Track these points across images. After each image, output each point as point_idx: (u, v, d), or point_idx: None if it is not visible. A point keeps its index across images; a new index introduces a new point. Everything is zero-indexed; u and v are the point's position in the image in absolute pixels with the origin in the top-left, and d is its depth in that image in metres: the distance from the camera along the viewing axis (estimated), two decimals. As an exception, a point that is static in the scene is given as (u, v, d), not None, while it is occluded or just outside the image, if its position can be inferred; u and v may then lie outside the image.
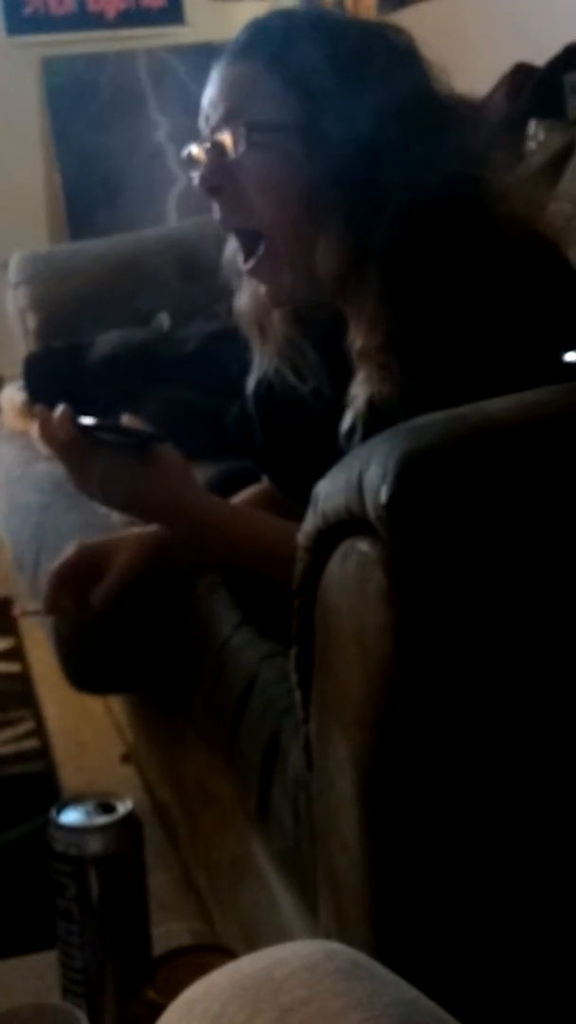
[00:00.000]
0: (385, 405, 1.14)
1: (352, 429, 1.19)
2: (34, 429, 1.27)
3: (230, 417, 1.50)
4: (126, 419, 1.29)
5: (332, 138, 1.16)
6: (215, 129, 1.24)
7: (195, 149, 1.25)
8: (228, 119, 1.22)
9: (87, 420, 1.22)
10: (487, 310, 1.10)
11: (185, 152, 1.27)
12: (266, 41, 1.22)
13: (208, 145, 1.24)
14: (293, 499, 1.30)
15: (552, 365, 1.10)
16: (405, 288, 1.14)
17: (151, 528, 1.34)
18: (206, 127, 1.25)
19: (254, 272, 1.28)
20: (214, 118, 1.24)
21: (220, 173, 1.23)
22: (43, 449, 1.41)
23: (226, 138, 1.22)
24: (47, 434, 1.24)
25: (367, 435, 1.08)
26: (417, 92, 1.18)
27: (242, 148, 1.20)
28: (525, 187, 1.35)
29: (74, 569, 1.35)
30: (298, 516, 0.98)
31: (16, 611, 1.53)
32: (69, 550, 1.36)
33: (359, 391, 1.19)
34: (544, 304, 1.13)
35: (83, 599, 1.34)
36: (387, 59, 1.19)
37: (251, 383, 1.40)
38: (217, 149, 1.23)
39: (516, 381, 0.94)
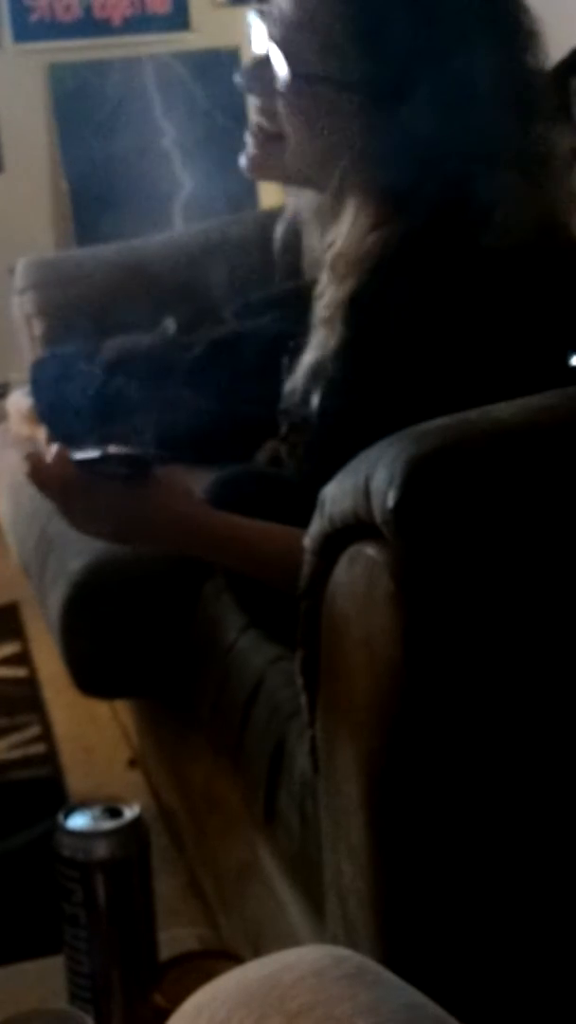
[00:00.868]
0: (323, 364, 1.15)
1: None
2: (40, 436, 1.26)
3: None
4: (114, 448, 1.26)
5: (382, 111, 1.13)
6: (272, 37, 1.20)
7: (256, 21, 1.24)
8: (286, 42, 1.19)
9: (82, 455, 1.20)
10: (478, 318, 1.10)
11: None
12: None
13: (262, 48, 1.21)
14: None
15: (556, 369, 1.10)
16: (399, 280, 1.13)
17: None
18: (269, 21, 1.21)
19: (255, 161, 1.28)
20: (275, 28, 1.20)
21: (261, 83, 1.22)
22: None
23: (279, 61, 1.19)
24: (38, 479, 1.22)
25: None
26: (496, 68, 1.14)
27: (290, 86, 1.18)
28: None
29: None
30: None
31: None
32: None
33: (309, 356, 1.20)
34: (545, 309, 1.13)
35: None
36: (473, 24, 1.14)
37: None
38: (267, 61, 1.20)
39: (499, 382, 0.94)
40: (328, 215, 1.24)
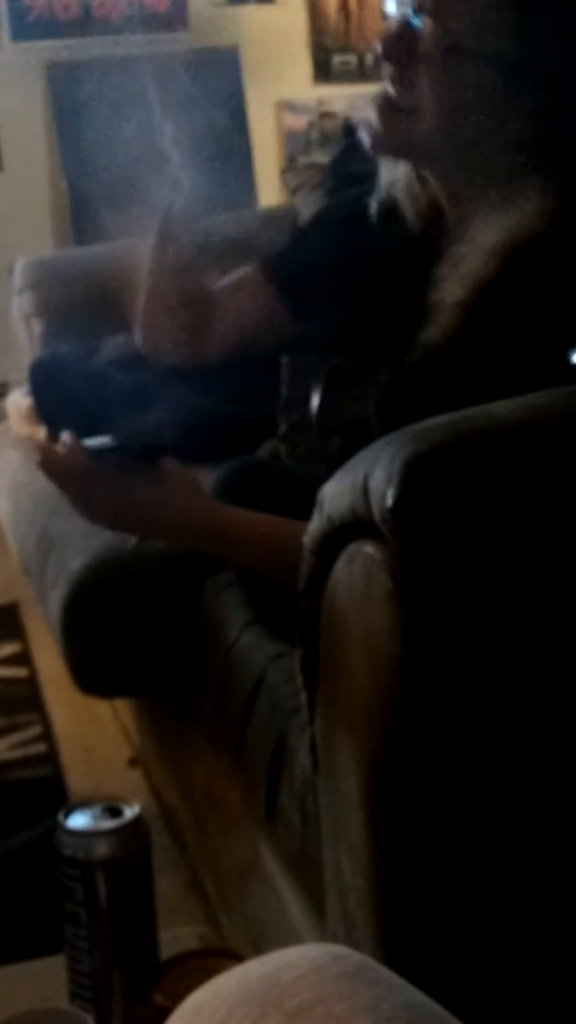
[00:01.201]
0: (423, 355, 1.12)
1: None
2: (40, 436, 1.25)
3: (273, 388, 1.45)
4: (122, 435, 1.26)
5: (537, 93, 1.10)
6: (424, 5, 1.14)
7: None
8: (442, 12, 1.13)
9: (94, 443, 1.20)
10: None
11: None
12: None
13: (408, 15, 1.15)
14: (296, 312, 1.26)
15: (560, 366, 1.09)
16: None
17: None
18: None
19: (380, 136, 1.20)
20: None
21: (404, 51, 1.16)
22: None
23: (427, 31, 1.14)
24: (48, 467, 1.22)
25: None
26: None
27: (442, 59, 1.13)
28: None
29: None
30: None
31: None
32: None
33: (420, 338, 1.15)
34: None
35: None
36: None
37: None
38: (412, 30, 1.15)
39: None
40: (453, 196, 1.20)
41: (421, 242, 1.24)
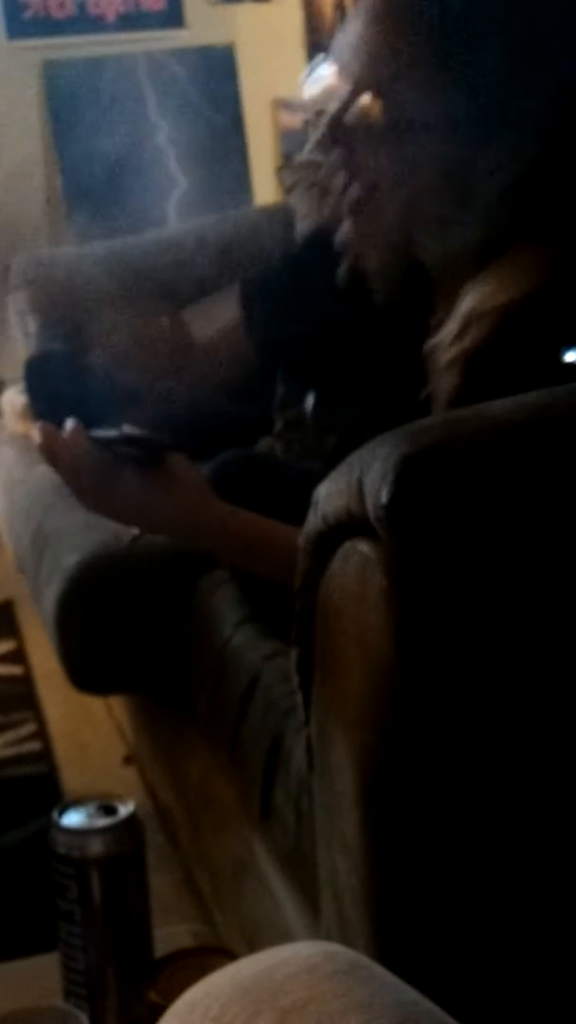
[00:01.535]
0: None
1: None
2: (35, 434, 1.25)
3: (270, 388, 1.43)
4: (127, 428, 1.26)
5: (502, 145, 1.05)
6: (360, 85, 1.09)
7: (324, 80, 1.10)
8: (382, 88, 1.07)
9: (100, 433, 1.20)
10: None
11: (312, 77, 1.12)
12: (442, 9, 1.04)
13: (342, 98, 1.09)
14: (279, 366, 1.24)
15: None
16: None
17: None
18: (342, 67, 1.10)
19: (356, 240, 1.14)
20: (364, 74, 1.08)
21: (346, 141, 1.10)
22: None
23: (362, 107, 1.08)
24: (50, 453, 1.21)
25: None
26: None
27: (393, 136, 1.08)
28: None
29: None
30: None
31: None
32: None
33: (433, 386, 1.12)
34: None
35: None
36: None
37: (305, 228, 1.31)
38: (350, 114, 1.09)
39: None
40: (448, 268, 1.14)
41: (401, 313, 1.20)
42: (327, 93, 1.11)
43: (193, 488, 1.23)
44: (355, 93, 1.09)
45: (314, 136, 1.11)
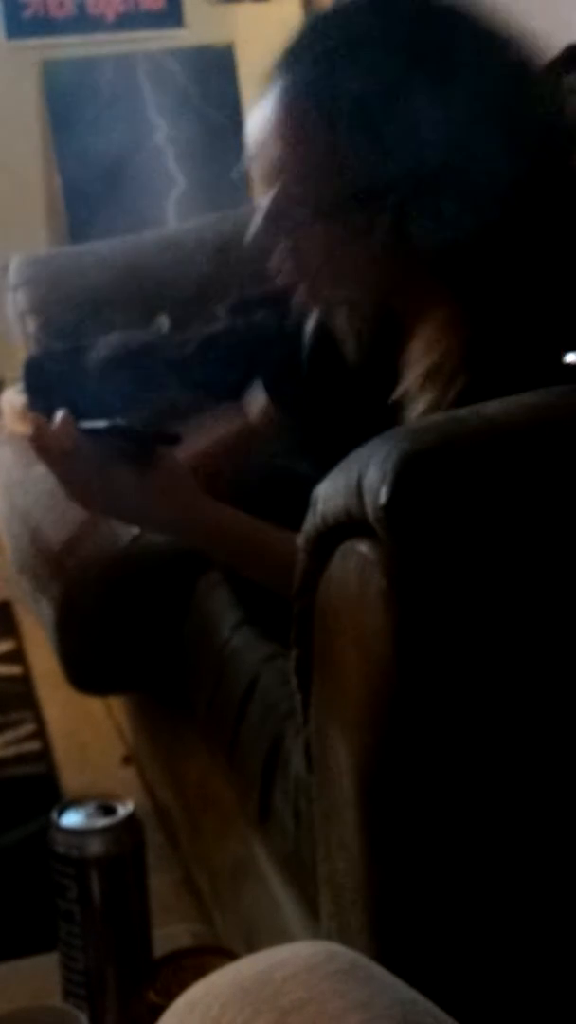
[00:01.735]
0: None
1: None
2: (25, 425, 1.24)
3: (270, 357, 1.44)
4: (122, 422, 1.26)
5: (420, 208, 1.07)
6: (277, 182, 1.12)
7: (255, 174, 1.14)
8: (299, 183, 1.11)
9: (90, 424, 1.19)
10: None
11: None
12: (327, 85, 1.07)
13: (263, 196, 1.13)
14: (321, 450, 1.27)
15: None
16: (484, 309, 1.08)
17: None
18: (257, 168, 1.14)
19: (313, 305, 1.21)
20: (266, 167, 1.13)
21: (276, 235, 1.14)
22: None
23: (280, 199, 1.12)
24: (41, 443, 1.21)
25: None
26: (508, 112, 1.06)
27: (316, 225, 1.11)
28: None
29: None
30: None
31: None
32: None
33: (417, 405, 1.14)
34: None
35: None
36: (475, 83, 1.05)
37: (310, 323, 1.34)
38: (277, 209, 1.13)
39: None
40: (387, 328, 1.18)
41: (372, 365, 1.23)
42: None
43: (181, 482, 1.22)
44: (279, 188, 1.12)
45: (252, 229, 1.15)
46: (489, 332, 1.07)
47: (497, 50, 1.09)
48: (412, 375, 1.15)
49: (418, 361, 1.14)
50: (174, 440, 1.23)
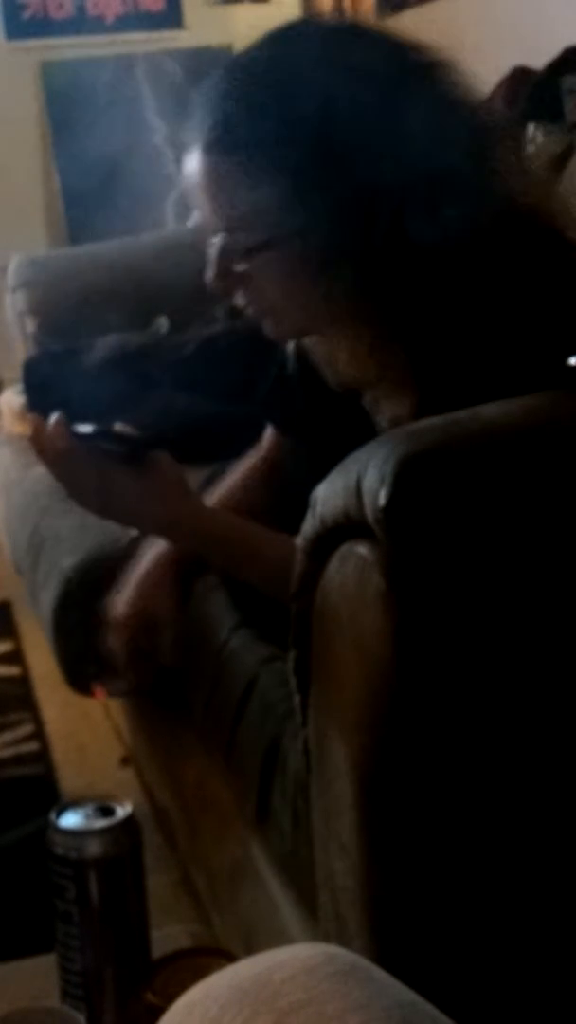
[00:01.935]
0: None
1: None
2: (25, 426, 1.25)
3: (264, 386, 1.46)
4: (119, 426, 1.27)
5: (345, 236, 1.08)
6: (209, 228, 1.15)
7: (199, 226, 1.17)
8: (218, 223, 1.14)
9: (83, 428, 1.20)
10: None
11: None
12: (238, 129, 1.10)
13: (211, 246, 1.16)
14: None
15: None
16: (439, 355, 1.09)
17: (157, 552, 1.34)
18: (200, 220, 1.17)
19: (285, 336, 1.24)
20: (207, 217, 1.16)
21: (229, 280, 1.16)
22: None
23: (224, 250, 1.14)
24: (39, 445, 1.22)
25: None
26: (446, 151, 1.07)
27: (246, 265, 1.13)
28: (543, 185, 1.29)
29: (132, 637, 1.34)
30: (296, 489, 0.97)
31: (100, 695, 1.54)
32: (113, 619, 1.35)
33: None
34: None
35: (150, 650, 1.34)
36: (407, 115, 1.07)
37: (290, 348, 1.36)
38: (218, 256, 1.15)
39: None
40: (343, 350, 1.20)
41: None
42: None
43: (175, 485, 1.23)
44: (221, 239, 1.14)
45: (208, 276, 1.17)
46: (431, 351, 1.09)
47: (416, 79, 1.10)
48: (369, 397, 1.19)
49: (373, 384, 1.18)
50: (164, 444, 1.24)
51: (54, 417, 1.21)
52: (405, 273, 1.09)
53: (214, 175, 1.12)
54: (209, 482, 1.53)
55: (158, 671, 1.37)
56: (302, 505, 0.94)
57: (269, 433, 1.48)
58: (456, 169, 1.07)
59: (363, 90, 1.06)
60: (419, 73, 1.10)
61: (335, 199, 1.07)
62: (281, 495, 1.39)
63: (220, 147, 1.11)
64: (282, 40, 1.16)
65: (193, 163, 1.14)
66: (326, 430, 1.32)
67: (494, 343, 1.07)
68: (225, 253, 1.14)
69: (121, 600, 1.37)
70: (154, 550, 1.36)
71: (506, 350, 1.06)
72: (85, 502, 1.25)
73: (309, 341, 1.27)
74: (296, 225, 1.09)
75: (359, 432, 1.20)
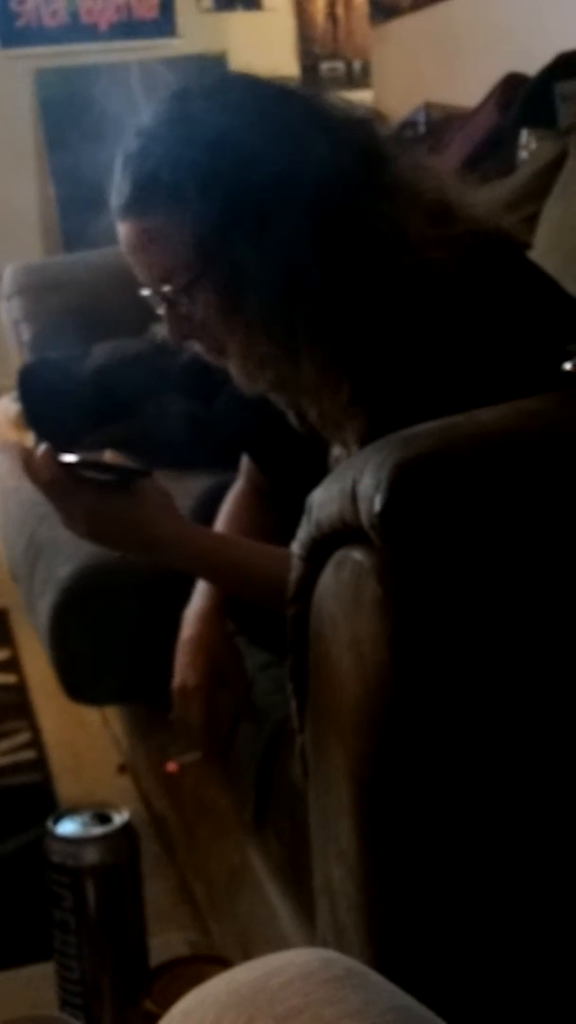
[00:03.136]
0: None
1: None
2: (28, 442, 1.26)
3: (219, 401, 1.48)
4: (108, 455, 1.27)
5: (262, 267, 1.13)
6: (151, 288, 1.21)
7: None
8: (157, 280, 1.20)
9: (69, 457, 1.21)
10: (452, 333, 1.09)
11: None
12: (155, 187, 1.18)
13: (159, 304, 1.21)
14: (280, 491, 1.29)
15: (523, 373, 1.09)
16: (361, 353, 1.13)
17: (199, 609, 1.36)
18: (145, 282, 1.22)
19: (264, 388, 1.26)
20: (146, 277, 1.21)
21: (182, 326, 1.21)
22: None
23: (167, 295, 1.20)
24: (31, 471, 1.22)
25: None
26: (341, 171, 1.13)
27: (188, 303, 1.18)
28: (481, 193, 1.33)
29: (207, 701, 1.34)
30: (283, 514, 0.97)
31: (172, 767, 1.55)
32: (188, 689, 1.35)
33: (340, 452, 1.19)
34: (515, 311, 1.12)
35: (226, 711, 1.35)
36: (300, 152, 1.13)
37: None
38: (167, 309, 1.21)
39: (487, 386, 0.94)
40: (299, 387, 1.23)
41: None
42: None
43: (164, 510, 1.23)
44: (165, 296, 1.19)
45: (164, 327, 1.23)
46: (374, 374, 1.12)
47: (331, 120, 1.16)
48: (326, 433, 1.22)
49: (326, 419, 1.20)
50: (146, 474, 1.24)
51: (41, 447, 1.22)
52: (333, 300, 1.12)
53: (142, 235, 1.20)
54: (201, 504, 1.53)
55: (232, 731, 1.36)
56: (295, 521, 0.94)
57: (247, 464, 1.49)
58: (362, 198, 1.12)
59: (263, 133, 1.13)
60: (312, 111, 1.17)
61: (253, 234, 1.12)
62: (278, 512, 1.39)
63: (138, 208, 1.20)
64: (180, 97, 1.26)
65: (122, 230, 1.22)
66: (302, 474, 1.33)
67: (435, 358, 1.09)
68: (170, 301, 1.19)
69: (185, 668, 1.36)
70: (193, 610, 1.36)
71: (450, 362, 1.08)
72: (74, 528, 1.25)
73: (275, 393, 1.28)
74: (224, 258, 1.14)
75: (314, 462, 1.23)
